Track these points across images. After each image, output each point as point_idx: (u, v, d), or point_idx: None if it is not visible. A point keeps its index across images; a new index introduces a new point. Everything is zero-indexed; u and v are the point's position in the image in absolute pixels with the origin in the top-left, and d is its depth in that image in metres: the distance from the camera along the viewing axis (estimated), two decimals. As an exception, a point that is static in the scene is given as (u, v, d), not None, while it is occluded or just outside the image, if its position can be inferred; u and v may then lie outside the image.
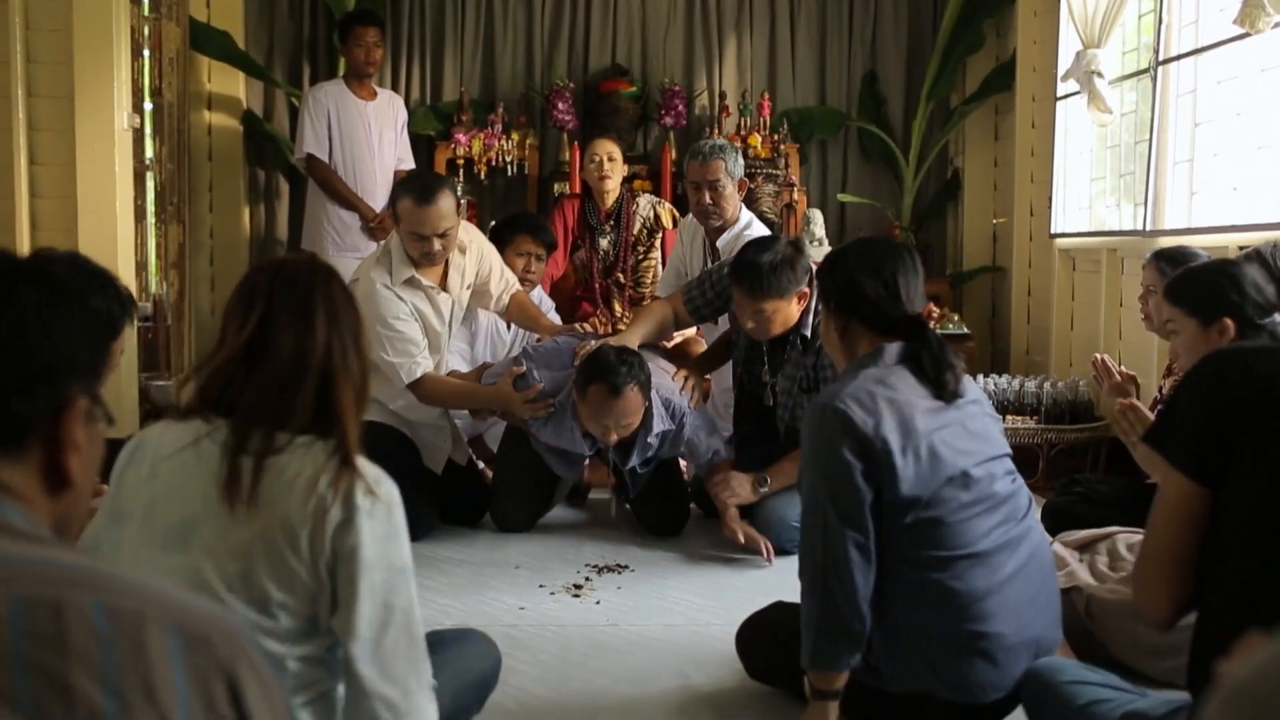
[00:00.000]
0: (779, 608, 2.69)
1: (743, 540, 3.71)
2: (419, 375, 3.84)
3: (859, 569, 2.18)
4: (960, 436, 2.24)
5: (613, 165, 4.96)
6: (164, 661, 0.80)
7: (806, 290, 3.64)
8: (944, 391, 2.26)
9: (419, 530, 3.83)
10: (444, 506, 4.15)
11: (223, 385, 1.63)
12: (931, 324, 2.31)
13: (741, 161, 4.37)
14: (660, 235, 5.06)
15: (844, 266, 2.37)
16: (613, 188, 4.99)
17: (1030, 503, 2.36)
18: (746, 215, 4.41)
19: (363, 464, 1.62)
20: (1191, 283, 2.70)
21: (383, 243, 4.04)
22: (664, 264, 5.04)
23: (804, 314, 3.68)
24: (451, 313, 4.01)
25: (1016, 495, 2.31)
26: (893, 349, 2.29)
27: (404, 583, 1.63)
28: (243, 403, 1.61)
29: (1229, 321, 2.62)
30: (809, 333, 3.68)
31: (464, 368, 4.23)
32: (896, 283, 2.32)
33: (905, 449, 2.16)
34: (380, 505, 1.61)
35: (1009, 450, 2.36)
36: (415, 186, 3.79)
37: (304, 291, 1.66)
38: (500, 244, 4.54)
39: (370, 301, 3.77)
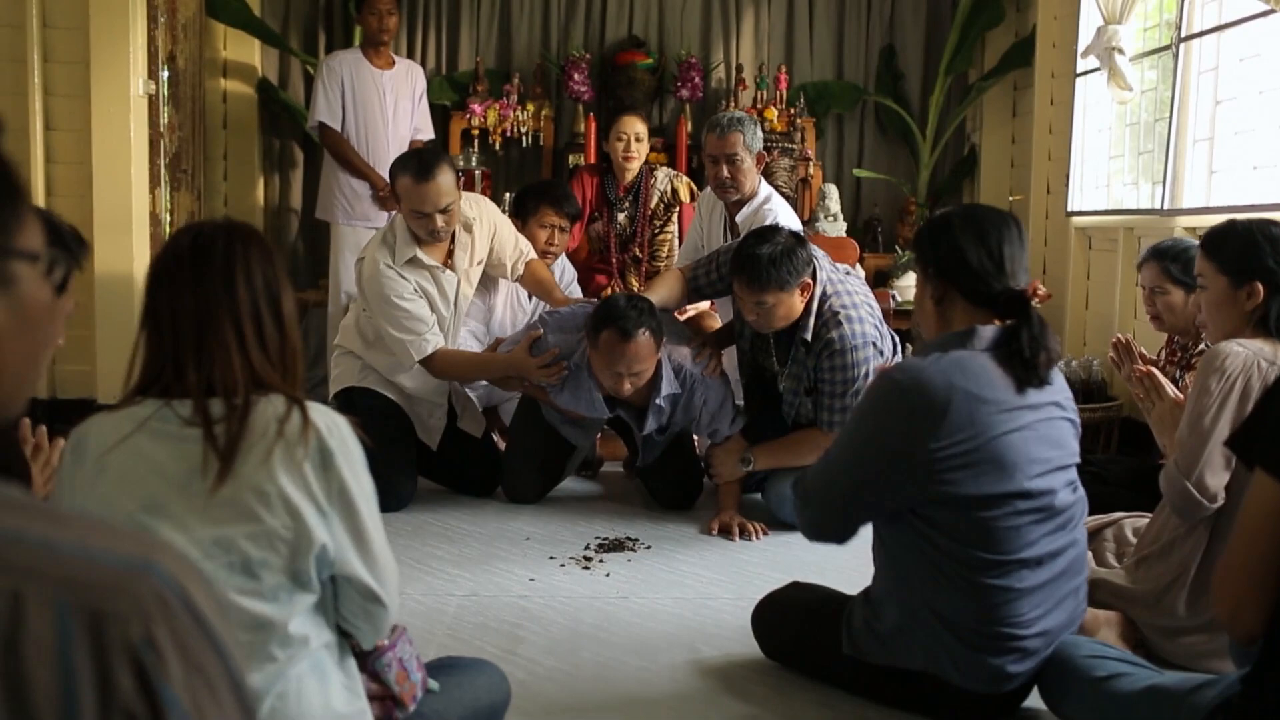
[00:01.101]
0: (796, 588, 2.69)
1: (715, 532, 3.70)
2: (430, 351, 3.83)
3: (848, 529, 2.31)
4: (1030, 442, 2.17)
5: (639, 146, 4.94)
6: (44, 649, 0.65)
7: (809, 281, 3.56)
8: (1033, 375, 2.17)
9: (396, 500, 3.86)
10: (457, 477, 4.17)
11: (157, 364, 1.63)
12: (1035, 303, 2.26)
13: (760, 134, 4.32)
14: (678, 209, 5.04)
15: (948, 232, 2.26)
16: (636, 166, 4.97)
17: (1084, 512, 2.31)
18: (766, 189, 4.36)
19: (314, 408, 1.65)
20: (1229, 238, 2.58)
21: (387, 222, 4.01)
22: (680, 238, 5.01)
23: (806, 312, 3.60)
24: (458, 293, 3.98)
25: (1073, 506, 2.26)
26: (986, 333, 2.20)
27: (377, 507, 1.71)
28: (188, 377, 1.61)
29: (1259, 285, 2.52)
30: (810, 336, 3.60)
31: (478, 347, 4.22)
32: (1002, 254, 2.22)
33: (970, 447, 2.11)
34: (347, 441, 1.66)
35: (1077, 459, 2.29)
36: (412, 164, 3.76)
37: (223, 258, 1.64)
38: (523, 214, 4.52)
39: (374, 282, 3.80)
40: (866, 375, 3.54)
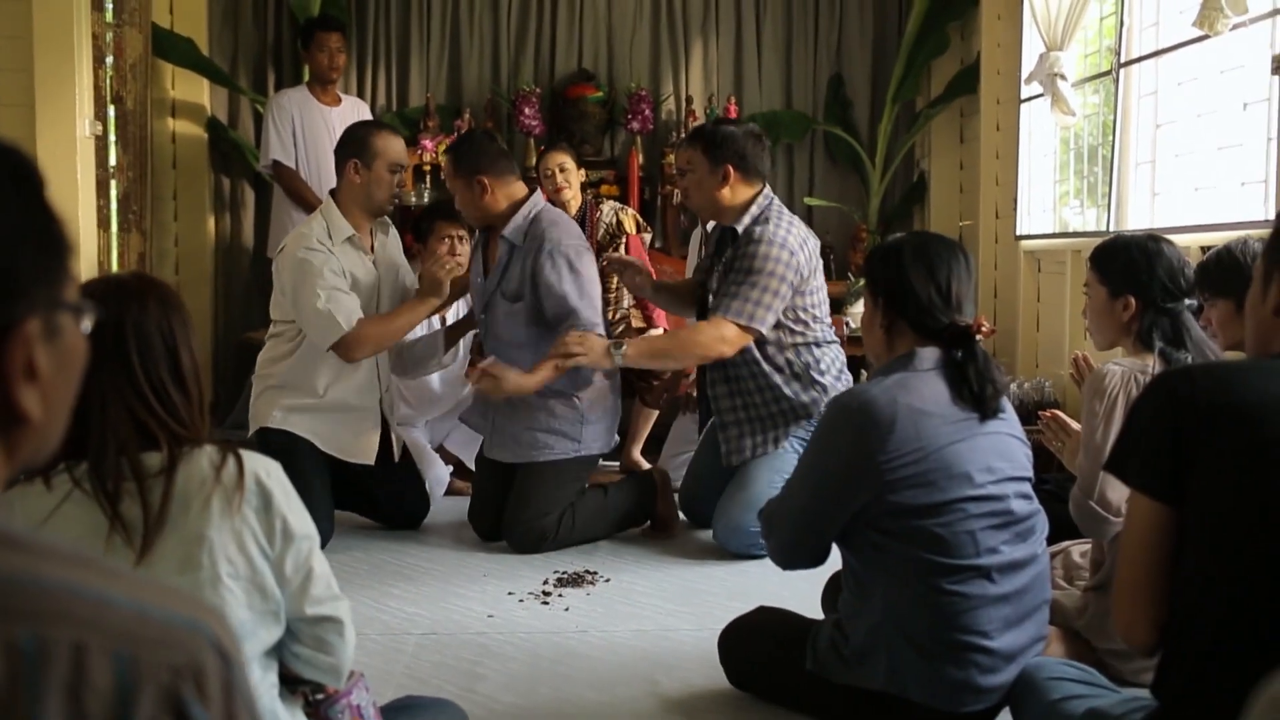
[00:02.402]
0: (762, 613, 2.69)
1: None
2: (353, 321, 3.71)
3: (816, 552, 2.41)
4: (977, 451, 2.23)
5: (566, 175, 4.86)
6: (103, 699, 0.68)
7: (732, 171, 3.73)
8: (984, 407, 2.24)
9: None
10: (384, 511, 4.16)
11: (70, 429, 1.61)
12: (979, 338, 2.29)
13: None
14: (623, 240, 5.02)
15: (899, 263, 2.32)
16: (571, 197, 4.89)
17: (1044, 528, 2.34)
18: None
19: (248, 454, 1.66)
20: (1111, 251, 2.71)
21: (313, 215, 4.01)
22: None
23: (744, 211, 3.76)
24: (379, 277, 3.97)
25: (1030, 518, 2.30)
26: (927, 355, 2.27)
27: (317, 546, 1.73)
28: (100, 439, 1.59)
29: (1132, 299, 2.63)
30: (741, 230, 3.74)
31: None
32: (950, 288, 2.28)
33: (920, 457, 2.17)
34: (284, 482, 1.68)
35: (1029, 474, 2.34)
36: (378, 124, 4.16)
37: (113, 332, 1.61)
38: (423, 237, 4.60)
39: (304, 255, 3.74)
40: (772, 275, 3.64)
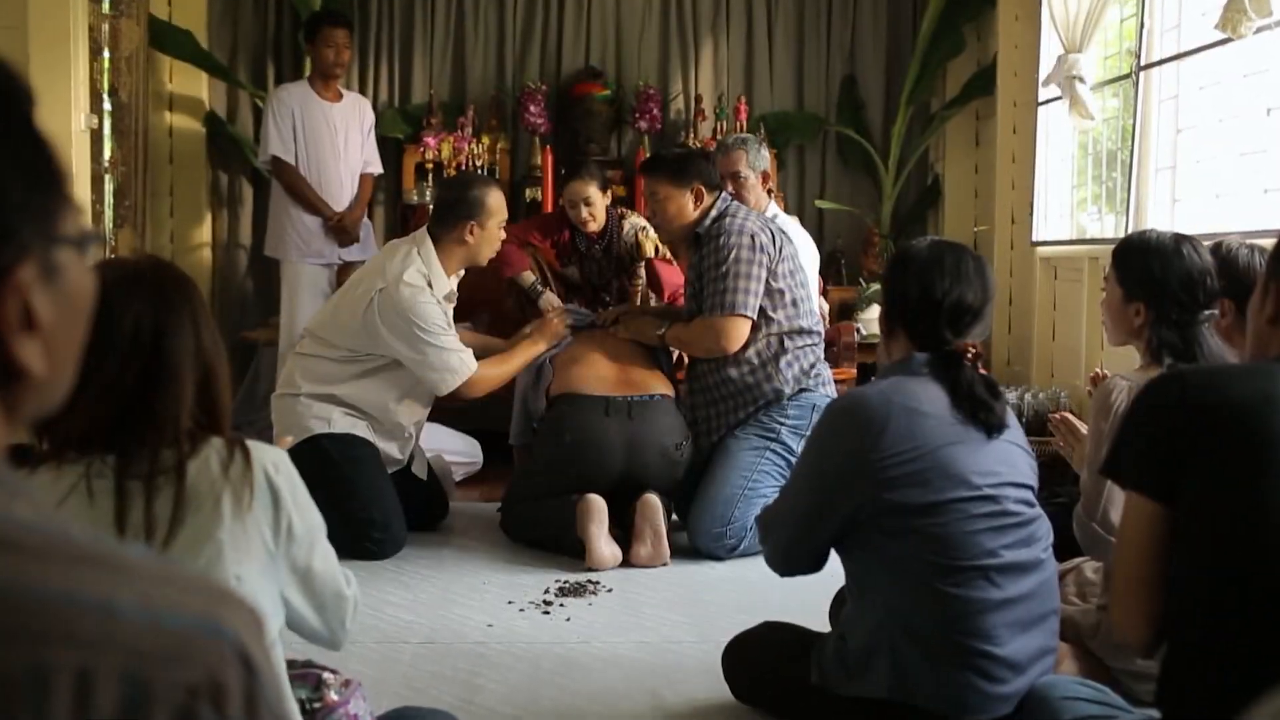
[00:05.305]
0: (767, 628, 2.64)
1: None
2: (473, 366, 3.83)
3: (814, 555, 2.35)
4: (975, 454, 2.21)
5: (593, 209, 4.62)
6: None
7: (702, 189, 3.92)
8: (986, 430, 2.23)
9: (394, 545, 3.80)
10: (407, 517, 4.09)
11: (96, 416, 1.56)
12: (966, 361, 2.29)
13: (765, 154, 4.60)
14: (641, 265, 4.80)
15: (902, 273, 2.32)
16: (597, 225, 4.67)
17: (1048, 533, 2.30)
18: (773, 208, 4.53)
19: (255, 446, 1.65)
20: (1131, 252, 2.63)
21: (408, 251, 3.86)
22: (657, 290, 4.83)
23: (705, 215, 3.93)
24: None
25: (1033, 522, 2.26)
26: (922, 359, 2.27)
27: (325, 540, 1.73)
28: (122, 429, 1.56)
29: (1143, 307, 2.55)
30: (703, 231, 3.91)
31: None
32: (950, 307, 2.26)
33: (914, 457, 2.16)
34: (293, 477, 1.68)
35: (1031, 482, 2.30)
36: (484, 180, 4.13)
37: (176, 300, 1.63)
38: None
39: (426, 311, 3.74)
40: (738, 260, 3.82)
